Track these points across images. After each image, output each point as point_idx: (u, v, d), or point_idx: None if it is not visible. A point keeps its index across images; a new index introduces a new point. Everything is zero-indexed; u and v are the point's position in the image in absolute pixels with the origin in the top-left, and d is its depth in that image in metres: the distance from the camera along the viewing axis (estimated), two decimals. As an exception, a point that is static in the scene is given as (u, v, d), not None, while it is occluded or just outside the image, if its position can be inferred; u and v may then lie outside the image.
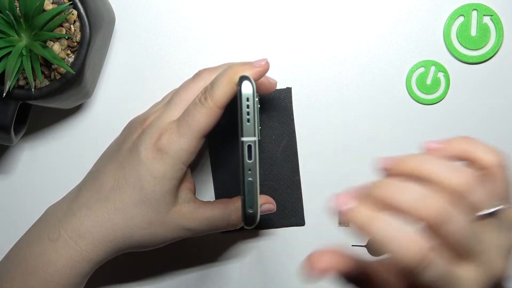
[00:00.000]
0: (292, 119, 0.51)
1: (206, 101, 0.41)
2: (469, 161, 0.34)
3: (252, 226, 0.40)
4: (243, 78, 0.39)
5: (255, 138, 0.39)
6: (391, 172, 0.32)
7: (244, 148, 0.38)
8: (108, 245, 0.44)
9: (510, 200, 0.34)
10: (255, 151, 0.39)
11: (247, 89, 0.39)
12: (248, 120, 0.38)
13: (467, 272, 0.31)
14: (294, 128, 0.51)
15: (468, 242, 0.31)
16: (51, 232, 0.44)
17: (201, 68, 0.46)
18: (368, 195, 0.31)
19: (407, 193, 0.30)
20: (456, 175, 0.31)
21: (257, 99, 0.39)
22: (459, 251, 0.31)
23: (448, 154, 0.34)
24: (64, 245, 0.43)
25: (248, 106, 0.38)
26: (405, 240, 0.29)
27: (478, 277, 0.31)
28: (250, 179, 0.39)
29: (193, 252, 0.53)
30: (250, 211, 0.39)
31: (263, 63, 0.42)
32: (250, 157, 0.39)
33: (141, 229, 0.44)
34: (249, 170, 0.39)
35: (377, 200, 0.30)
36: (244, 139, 0.39)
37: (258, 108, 0.40)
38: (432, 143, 0.34)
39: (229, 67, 0.42)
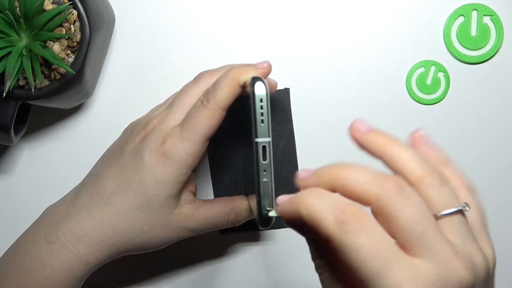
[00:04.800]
0: (291, 120, 0.51)
1: (209, 103, 0.41)
2: None
3: (268, 227, 0.39)
4: (255, 79, 0.39)
5: (269, 139, 0.38)
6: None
7: (259, 149, 0.38)
8: (107, 248, 0.44)
9: (473, 205, 0.33)
10: (270, 152, 0.38)
11: (260, 90, 0.38)
12: (262, 121, 0.38)
13: (417, 263, 0.29)
14: (293, 129, 0.51)
15: (418, 236, 0.29)
16: (48, 234, 0.44)
17: (201, 69, 0.46)
18: (321, 175, 0.31)
19: (357, 174, 0.30)
20: (421, 167, 0.31)
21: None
22: (408, 242, 0.29)
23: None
24: (61, 248, 0.43)
25: (261, 107, 0.38)
26: (326, 204, 0.29)
27: (429, 272, 0.29)
28: (265, 179, 0.39)
29: (192, 253, 0.53)
30: (266, 212, 0.39)
31: (265, 65, 0.42)
32: (265, 158, 0.38)
33: (143, 232, 0.43)
34: (264, 171, 0.38)
35: (328, 180, 0.31)
36: (258, 140, 0.38)
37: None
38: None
39: (231, 68, 0.41)
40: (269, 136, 0.38)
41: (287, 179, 0.52)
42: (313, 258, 0.33)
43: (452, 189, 0.31)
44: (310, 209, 0.30)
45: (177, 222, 0.44)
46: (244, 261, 0.53)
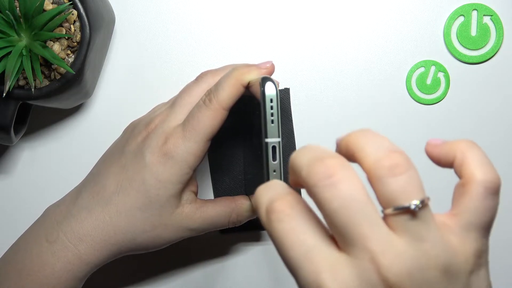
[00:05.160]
0: (291, 120, 0.51)
1: (211, 103, 0.41)
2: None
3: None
4: (265, 79, 0.38)
5: (279, 139, 0.38)
6: (338, 150, 0.31)
7: (269, 150, 0.38)
8: (108, 248, 0.44)
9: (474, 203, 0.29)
10: (280, 152, 0.38)
11: (270, 90, 0.38)
12: (272, 121, 0.38)
13: (339, 258, 0.27)
14: (293, 129, 0.51)
15: (341, 230, 0.27)
16: (49, 234, 0.44)
17: (201, 69, 0.46)
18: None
19: (300, 157, 0.29)
20: (379, 155, 0.28)
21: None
22: (335, 234, 0.28)
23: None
24: (62, 248, 0.43)
25: (272, 107, 0.38)
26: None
27: (349, 269, 0.27)
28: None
29: (193, 253, 0.53)
30: None
31: (268, 65, 0.42)
32: (274, 158, 0.38)
33: (144, 232, 0.43)
34: (274, 171, 0.38)
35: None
36: (268, 140, 0.38)
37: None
38: None
39: (234, 68, 0.41)
40: (279, 137, 0.38)
41: (287, 179, 0.52)
42: None
43: (406, 179, 0.27)
44: (254, 199, 0.31)
45: (179, 222, 0.44)
46: (244, 261, 0.53)
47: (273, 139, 0.38)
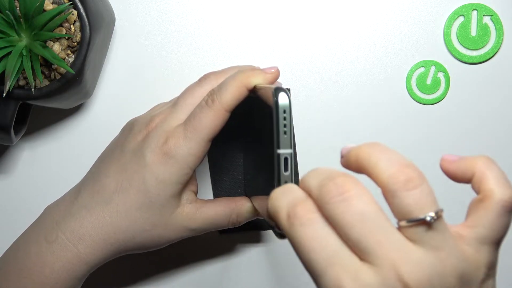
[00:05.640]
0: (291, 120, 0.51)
1: (214, 103, 0.41)
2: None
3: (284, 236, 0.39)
4: (279, 89, 0.38)
5: (291, 151, 0.38)
6: (344, 161, 0.32)
7: (281, 161, 0.38)
8: (108, 248, 0.44)
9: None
10: (291, 163, 0.38)
11: (284, 100, 0.38)
12: (285, 133, 0.38)
13: (360, 266, 0.28)
14: (293, 129, 0.51)
15: (357, 241, 0.28)
16: (49, 234, 0.44)
17: (201, 69, 0.46)
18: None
19: (311, 178, 0.31)
20: (393, 170, 0.29)
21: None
22: (351, 245, 0.29)
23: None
24: (61, 248, 0.43)
25: (285, 118, 0.38)
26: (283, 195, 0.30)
27: (371, 278, 0.28)
28: None
29: (193, 253, 0.53)
30: None
31: (273, 70, 0.42)
32: (286, 169, 0.38)
33: (144, 231, 0.43)
34: (285, 182, 0.38)
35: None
36: (281, 151, 0.38)
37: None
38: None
39: (239, 71, 0.41)
40: (291, 148, 0.38)
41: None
42: None
43: (420, 193, 0.28)
44: (271, 204, 0.31)
45: (179, 221, 0.44)
46: (244, 262, 0.53)
47: (285, 150, 0.38)
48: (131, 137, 0.45)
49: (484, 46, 0.51)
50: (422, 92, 0.51)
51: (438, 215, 0.28)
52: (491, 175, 0.31)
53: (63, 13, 0.43)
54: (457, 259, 0.29)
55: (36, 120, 0.52)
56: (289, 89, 0.51)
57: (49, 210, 0.46)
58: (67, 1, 0.44)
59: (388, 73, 0.51)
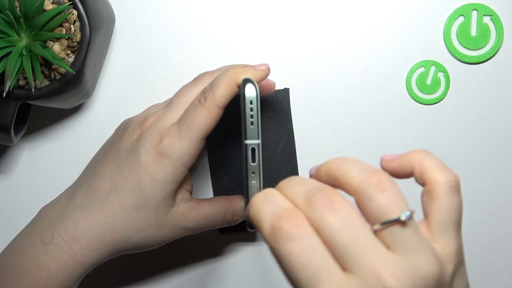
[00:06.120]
0: (290, 120, 0.51)
1: (206, 101, 0.41)
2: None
3: (256, 229, 0.40)
4: (246, 81, 0.39)
5: (259, 141, 0.39)
6: (315, 178, 0.33)
7: (248, 151, 0.38)
8: (104, 248, 0.43)
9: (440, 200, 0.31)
10: (259, 154, 0.39)
11: (250, 92, 0.38)
12: (252, 123, 0.38)
13: (345, 278, 0.28)
14: (293, 129, 0.51)
15: (343, 250, 0.28)
16: (44, 235, 0.44)
17: (201, 69, 0.46)
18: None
19: (293, 187, 0.31)
20: (364, 175, 0.30)
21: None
22: (337, 256, 0.29)
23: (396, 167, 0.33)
24: (57, 249, 0.43)
25: (251, 109, 0.38)
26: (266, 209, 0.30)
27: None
28: (253, 181, 0.39)
29: (190, 253, 0.53)
30: None
31: (264, 67, 0.42)
32: (253, 160, 0.39)
33: (139, 231, 0.43)
34: (253, 172, 0.39)
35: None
36: (247, 142, 0.39)
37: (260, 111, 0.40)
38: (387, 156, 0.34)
39: (230, 67, 0.42)
40: (258, 138, 0.39)
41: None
42: None
43: (393, 194, 0.29)
44: (253, 211, 0.31)
45: (174, 221, 0.44)
46: (241, 261, 0.53)
47: (252, 141, 0.39)
48: (126, 136, 0.45)
49: (484, 46, 0.51)
50: (422, 92, 0.51)
51: (411, 215, 0.29)
52: (430, 164, 0.32)
53: (63, 13, 0.43)
54: (433, 258, 0.29)
55: (36, 120, 0.52)
56: (288, 89, 0.51)
57: (44, 211, 0.46)
58: (67, 1, 0.44)
59: (388, 73, 0.51)
